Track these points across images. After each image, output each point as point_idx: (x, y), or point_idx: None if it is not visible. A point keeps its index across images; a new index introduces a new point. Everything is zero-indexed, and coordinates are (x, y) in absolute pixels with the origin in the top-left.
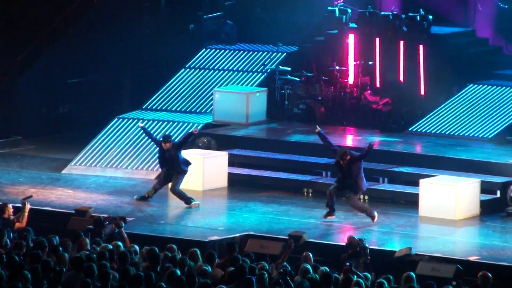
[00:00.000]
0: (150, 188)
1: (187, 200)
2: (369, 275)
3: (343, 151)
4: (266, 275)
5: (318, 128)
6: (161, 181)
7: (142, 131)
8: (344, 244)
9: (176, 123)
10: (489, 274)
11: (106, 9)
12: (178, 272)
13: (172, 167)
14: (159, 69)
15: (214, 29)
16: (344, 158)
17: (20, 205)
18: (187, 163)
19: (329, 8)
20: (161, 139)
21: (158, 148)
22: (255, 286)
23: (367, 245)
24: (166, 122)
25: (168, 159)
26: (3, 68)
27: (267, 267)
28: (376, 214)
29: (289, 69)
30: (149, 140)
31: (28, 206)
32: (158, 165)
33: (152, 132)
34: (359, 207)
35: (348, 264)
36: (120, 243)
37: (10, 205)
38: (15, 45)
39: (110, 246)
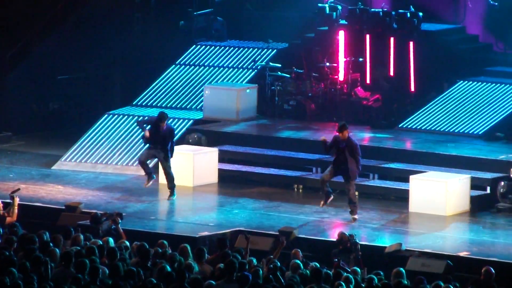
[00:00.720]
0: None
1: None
2: (358, 270)
3: (342, 123)
4: (261, 271)
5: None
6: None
7: (137, 125)
8: (334, 240)
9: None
10: (492, 270)
11: (96, 5)
12: (168, 268)
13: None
14: (149, 65)
15: (204, 26)
16: (342, 130)
17: (9, 200)
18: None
19: (320, 5)
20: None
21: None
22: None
23: (357, 241)
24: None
25: (161, 136)
26: None
27: (255, 262)
28: (357, 217)
29: (279, 65)
30: (140, 135)
31: (17, 200)
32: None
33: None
34: (351, 196)
35: (336, 260)
36: (111, 239)
37: None
38: (4, 42)
39: (100, 242)
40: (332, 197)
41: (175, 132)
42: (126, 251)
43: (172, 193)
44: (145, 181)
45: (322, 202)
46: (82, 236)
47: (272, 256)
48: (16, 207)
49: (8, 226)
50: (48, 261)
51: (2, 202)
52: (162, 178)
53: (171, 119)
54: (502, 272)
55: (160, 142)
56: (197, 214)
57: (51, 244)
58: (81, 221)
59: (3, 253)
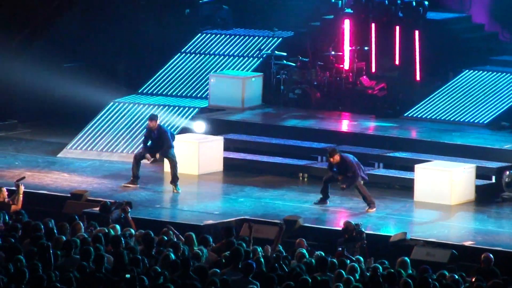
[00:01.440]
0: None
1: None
2: (361, 259)
3: (331, 149)
4: (263, 260)
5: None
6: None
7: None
8: (340, 228)
9: (171, 107)
10: (491, 256)
11: None
12: (173, 256)
13: (157, 147)
14: (155, 53)
15: (210, 14)
16: (332, 155)
17: (14, 188)
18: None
19: None
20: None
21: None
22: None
23: (363, 230)
24: (161, 107)
25: (154, 139)
26: None
27: (260, 251)
28: (372, 211)
29: (284, 54)
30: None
31: (22, 188)
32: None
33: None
34: (362, 191)
35: (340, 248)
36: (118, 226)
37: (4, 189)
38: (10, 30)
39: (106, 230)
40: (327, 203)
41: (171, 131)
42: (130, 239)
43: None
44: (128, 181)
45: (317, 201)
46: (81, 224)
47: (274, 244)
48: (21, 195)
49: (14, 213)
50: (50, 246)
51: (7, 190)
52: (166, 166)
53: (177, 107)
54: (507, 262)
55: (158, 147)
56: (202, 203)
57: (55, 232)
58: (86, 209)
59: (8, 240)
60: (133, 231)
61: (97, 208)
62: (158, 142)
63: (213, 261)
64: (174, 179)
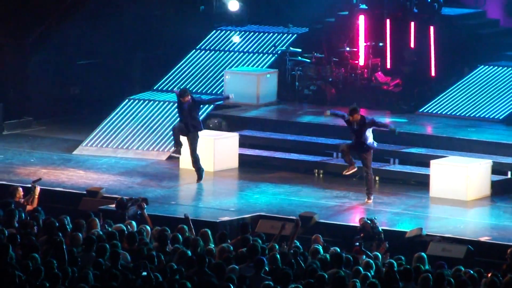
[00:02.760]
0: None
1: (198, 168)
2: (379, 255)
3: (352, 107)
4: (278, 256)
5: (328, 112)
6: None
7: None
8: (355, 225)
9: None
10: None
11: None
12: (189, 252)
13: (189, 119)
14: (169, 50)
15: (225, 10)
16: (352, 114)
17: (30, 187)
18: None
19: None
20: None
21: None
22: (267, 267)
23: (380, 229)
24: (176, 104)
25: (186, 110)
26: (14, 50)
27: (278, 247)
28: (371, 199)
29: (299, 50)
30: (161, 119)
31: (38, 189)
32: (169, 145)
33: (162, 113)
34: (369, 177)
35: (357, 244)
36: (134, 223)
37: (20, 188)
38: (25, 27)
39: (123, 227)
40: (355, 168)
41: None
42: (146, 236)
43: (199, 177)
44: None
45: (345, 171)
46: (97, 220)
47: (290, 241)
48: (36, 196)
49: (30, 212)
50: (63, 242)
51: (24, 189)
52: (182, 163)
53: None
54: None
55: (186, 117)
56: (218, 199)
57: (68, 228)
58: (102, 206)
59: (26, 238)
60: (148, 227)
61: (113, 205)
62: (189, 116)
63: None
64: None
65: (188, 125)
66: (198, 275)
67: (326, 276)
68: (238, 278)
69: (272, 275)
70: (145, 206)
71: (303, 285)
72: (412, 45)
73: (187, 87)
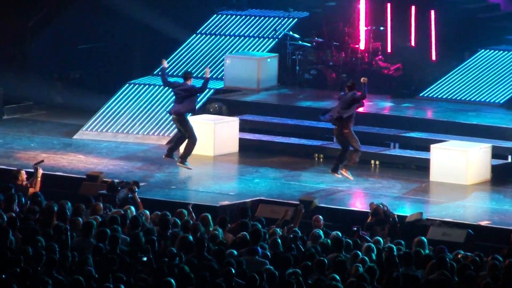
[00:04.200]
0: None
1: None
2: (381, 239)
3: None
4: (279, 240)
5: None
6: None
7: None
8: (355, 209)
9: None
10: None
11: None
12: (191, 237)
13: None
14: (169, 35)
15: None
16: (352, 88)
17: (32, 170)
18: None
19: None
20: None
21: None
22: (268, 252)
23: (392, 212)
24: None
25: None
26: (14, 34)
27: (279, 232)
28: (350, 176)
29: (298, 36)
30: (161, 104)
31: (40, 171)
32: (169, 130)
33: (162, 97)
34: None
35: (355, 229)
36: (132, 208)
37: (23, 171)
38: (26, 11)
39: (122, 211)
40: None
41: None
42: (146, 221)
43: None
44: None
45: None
46: (102, 205)
47: (292, 225)
48: (39, 179)
49: (31, 196)
50: (68, 229)
51: (26, 173)
52: (183, 148)
53: None
54: None
55: (180, 100)
56: (218, 184)
57: (68, 213)
58: (102, 190)
59: (26, 223)
60: (147, 212)
61: None
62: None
63: (229, 242)
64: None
65: None
66: (197, 259)
67: (326, 260)
68: (236, 263)
69: (273, 260)
70: (136, 190)
71: (300, 268)
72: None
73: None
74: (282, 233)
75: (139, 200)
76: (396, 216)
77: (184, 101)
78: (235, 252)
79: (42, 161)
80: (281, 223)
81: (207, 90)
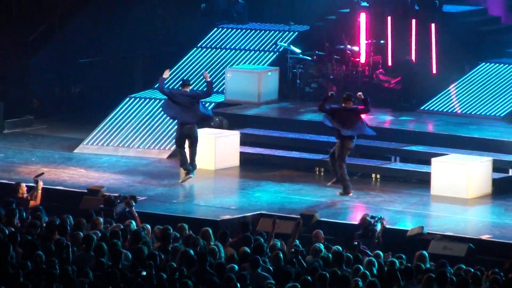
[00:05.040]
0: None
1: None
2: (381, 254)
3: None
4: (281, 254)
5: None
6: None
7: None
8: (356, 223)
9: None
10: None
11: None
12: (191, 251)
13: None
14: (170, 48)
15: (226, 8)
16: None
17: (33, 184)
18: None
19: None
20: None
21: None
22: (270, 266)
23: (376, 227)
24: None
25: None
26: (15, 49)
27: (279, 245)
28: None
29: (299, 51)
30: (162, 118)
31: (40, 184)
32: (170, 143)
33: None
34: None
35: (356, 243)
36: (133, 222)
37: (23, 184)
38: (26, 25)
39: (122, 226)
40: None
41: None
42: (147, 235)
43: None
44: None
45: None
46: (102, 220)
47: (291, 239)
48: (40, 191)
49: (32, 209)
50: (70, 245)
51: (26, 186)
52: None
53: None
54: None
55: (188, 108)
56: (219, 198)
57: (68, 228)
58: (103, 204)
59: (26, 237)
60: (149, 226)
61: None
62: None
63: (230, 256)
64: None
65: None
66: (198, 274)
67: (328, 275)
68: (238, 277)
69: (274, 274)
70: (134, 204)
71: (300, 283)
72: (413, 56)
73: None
74: (281, 246)
75: (136, 214)
76: (378, 235)
77: (193, 108)
78: (236, 267)
79: (43, 173)
80: (273, 234)
81: (209, 103)
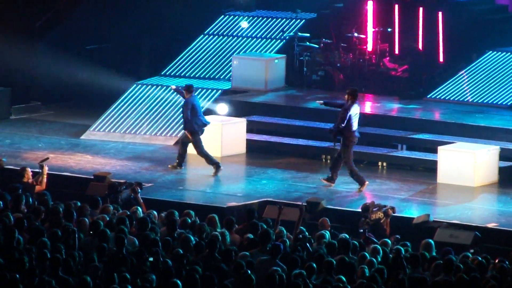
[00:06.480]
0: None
1: (213, 162)
2: (388, 241)
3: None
4: (288, 242)
5: (321, 101)
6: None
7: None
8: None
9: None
10: None
11: None
12: (192, 238)
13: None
14: (177, 35)
15: None
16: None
17: (39, 169)
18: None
19: None
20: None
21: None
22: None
23: (370, 216)
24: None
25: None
26: (22, 35)
27: (285, 232)
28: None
29: (307, 35)
30: (169, 105)
31: (46, 168)
32: (177, 130)
33: (169, 98)
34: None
35: (361, 231)
36: (139, 208)
37: (29, 169)
38: (33, 12)
39: (128, 212)
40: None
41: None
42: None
43: (217, 165)
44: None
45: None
46: (111, 207)
47: (296, 226)
48: (45, 176)
49: (37, 195)
50: (76, 231)
51: (32, 171)
52: (190, 148)
53: (199, 89)
54: None
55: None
56: (225, 185)
57: (74, 214)
58: (107, 191)
59: (32, 223)
60: (155, 212)
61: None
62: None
63: (237, 243)
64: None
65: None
66: (207, 260)
67: (334, 262)
68: (246, 263)
69: (281, 261)
70: (139, 190)
71: (305, 269)
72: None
73: (195, 72)
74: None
75: (141, 201)
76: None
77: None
78: (247, 254)
79: (47, 158)
80: (279, 221)
81: (215, 91)
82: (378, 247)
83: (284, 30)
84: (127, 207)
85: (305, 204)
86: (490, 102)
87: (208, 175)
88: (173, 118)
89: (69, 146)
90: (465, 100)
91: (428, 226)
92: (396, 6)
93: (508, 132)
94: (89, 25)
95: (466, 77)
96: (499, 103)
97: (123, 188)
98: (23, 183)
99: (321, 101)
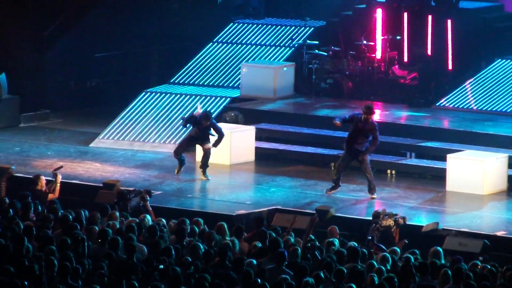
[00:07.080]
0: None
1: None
2: (398, 250)
3: (370, 106)
4: (299, 250)
5: (337, 121)
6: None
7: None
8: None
9: (203, 97)
10: None
11: None
12: (201, 246)
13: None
14: (186, 43)
15: (242, 3)
16: (369, 112)
17: (51, 178)
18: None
19: None
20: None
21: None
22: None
23: (381, 222)
24: (193, 96)
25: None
26: (31, 42)
27: (293, 241)
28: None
29: (316, 43)
30: (177, 112)
31: (59, 177)
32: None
33: (178, 106)
34: (369, 177)
35: (369, 238)
36: (148, 216)
37: (43, 177)
38: (43, 20)
39: (137, 220)
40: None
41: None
42: (164, 229)
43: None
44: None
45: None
46: (118, 214)
47: (306, 235)
48: (58, 184)
49: (48, 203)
50: (85, 239)
51: (45, 179)
52: (199, 156)
53: (208, 97)
54: None
55: (204, 138)
56: (234, 192)
57: (83, 222)
58: (116, 199)
59: (42, 231)
60: (164, 220)
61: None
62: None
63: (245, 251)
64: (205, 166)
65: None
66: (217, 268)
67: (345, 270)
68: (256, 272)
69: (290, 269)
70: (148, 198)
71: (313, 277)
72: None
73: (204, 80)
74: (295, 241)
75: (150, 208)
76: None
77: None
78: (255, 262)
79: (61, 167)
80: (290, 230)
81: (224, 98)
82: (387, 255)
83: (293, 38)
84: (136, 215)
85: (315, 212)
86: (499, 110)
87: (218, 183)
88: (181, 126)
89: (78, 154)
90: (474, 108)
91: (437, 234)
92: (405, 14)
93: None
94: (98, 33)
95: (475, 85)
96: (508, 111)
97: (132, 196)
98: (36, 190)
99: (338, 121)
